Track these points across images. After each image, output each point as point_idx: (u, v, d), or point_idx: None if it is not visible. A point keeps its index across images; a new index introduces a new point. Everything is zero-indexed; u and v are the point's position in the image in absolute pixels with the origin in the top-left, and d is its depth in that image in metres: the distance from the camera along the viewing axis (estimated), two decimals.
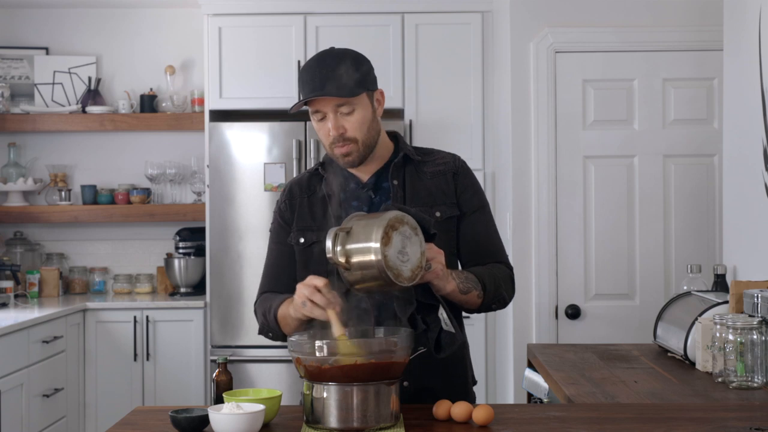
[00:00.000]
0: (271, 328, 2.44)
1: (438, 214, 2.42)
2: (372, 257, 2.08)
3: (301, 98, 2.38)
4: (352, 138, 2.39)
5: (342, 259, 2.10)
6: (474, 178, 2.52)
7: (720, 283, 3.31)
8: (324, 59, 2.40)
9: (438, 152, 2.55)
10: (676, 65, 4.31)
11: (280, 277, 2.49)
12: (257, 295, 2.54)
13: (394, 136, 2.59)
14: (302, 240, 2.45)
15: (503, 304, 2.43)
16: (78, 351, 4.86)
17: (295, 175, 2.55)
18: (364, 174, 2.47)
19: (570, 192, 4.31)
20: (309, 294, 2.16)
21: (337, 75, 2.37)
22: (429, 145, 4.98)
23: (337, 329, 2.13)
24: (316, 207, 2.46)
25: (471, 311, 2.41)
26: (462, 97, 4.98)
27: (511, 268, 2.49)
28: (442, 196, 2.45)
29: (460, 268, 2.45)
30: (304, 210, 2.47)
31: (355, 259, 2.11)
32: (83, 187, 5.37)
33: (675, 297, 3.27)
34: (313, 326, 2.27)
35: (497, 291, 2.38)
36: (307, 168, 4.79)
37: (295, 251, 2.46)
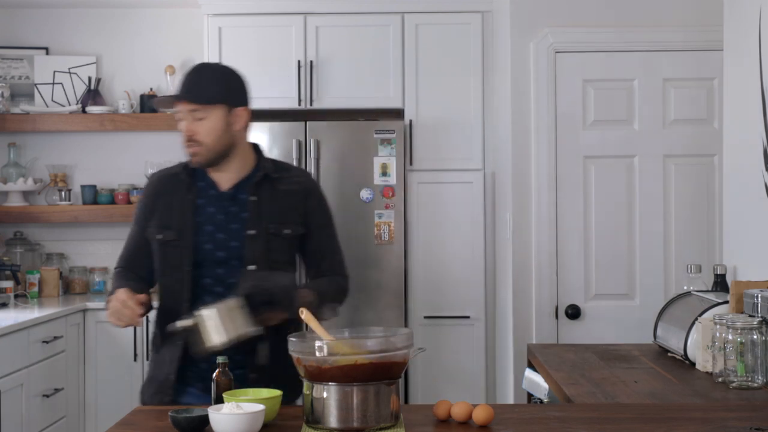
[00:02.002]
0: None
1: (287, 231, 2.70)
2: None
3: (168, 96, 2.72)
4: (199, 141, 2.65)
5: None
6: (322, 198, 2.83)
7: (720, 283, 3.31)
8: (199, 69, 2.72)
9: (294, 170, 2.87)
10: (676, 65, 4.31)
11: (134, 258, 2.81)
12: (117, 263, 2.86)
13: (256, 149, 2.82)
14: (160, 236, 2.72)
15: (326, 316, 2.62)
16: (78, 351, 4.86)
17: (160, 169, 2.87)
18: (225, 183, 2.73)
19: (570, 192, 4.31)
20: (119, 307, 2.52)
21: (199, 84, 2.67)
22: (430, 146, 5.05)
23: (322, 333, 2.13)
24: (175, 207, 2.72)
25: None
26: (462, 97, 4.98)
27: (347, 278, 2.83)
28: (293, 214, 2.73)
29: (304, 279, 2.84)
30: (166, 208, 2.73)
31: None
32: (83, 187, 5.37)
33: (675, 297, 3.27)
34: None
35: (324, 303, 2.63)
36: (306, 167, 4.80)
37: (151, 242, 2.75)
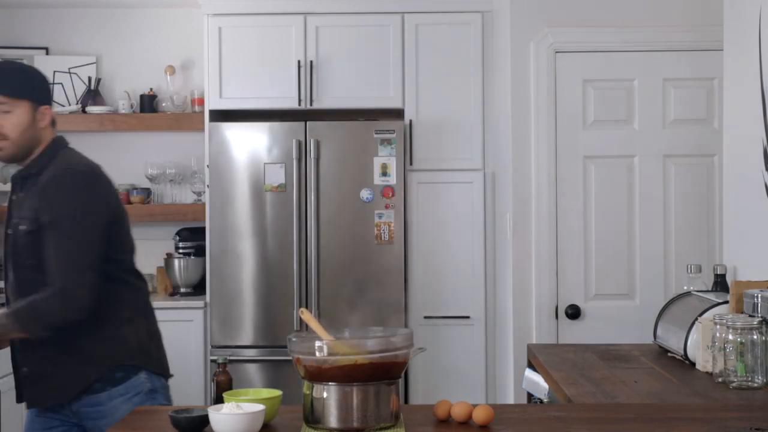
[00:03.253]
0: None
1: (22, 227, 2.68)
2: None
3: None
4: (5, 135, 2.68)
5: None
6: (58, 194, 2.65)
7: (720, 283, 3.31)
8: (1, 66, 2.90)
9: (55, 167, 2.72)
10: (676, 65, 4.31)
11: None
12: None
13: (54, 145, 2.80)
14: None
15: (49, 332, 2.65)
16: None
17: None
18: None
19: (570, 192, 4.31)
20: None
21: (3, 78, 2.72)
22: (430, 146, 5.05)
23: (323, 334, 2.13)
24: None
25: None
26: (462, 97, 4.98)
27: (64, 294, 2.60)
28: (31, 210, 2.68)
29: None
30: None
31: None
32: None
33: (675, 297, 3.27)
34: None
35: (36, 328, 2.63)
36: (306, 167, 4.81)
37: None
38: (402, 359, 2.07)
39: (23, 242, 2.68)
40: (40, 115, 2.74)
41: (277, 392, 2.18)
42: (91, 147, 5.44)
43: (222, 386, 2.26)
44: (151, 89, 5.41)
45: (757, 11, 3.27)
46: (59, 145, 2.80)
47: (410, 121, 4.94)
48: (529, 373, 3.22)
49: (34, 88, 2.75)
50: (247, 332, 4.84)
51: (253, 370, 4.80)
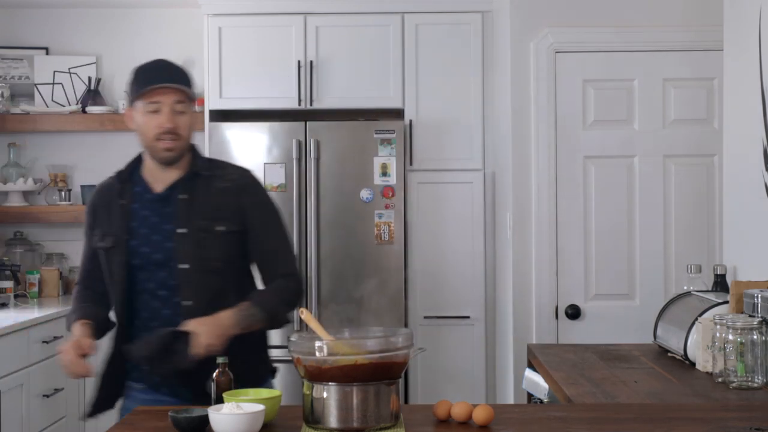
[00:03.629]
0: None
1: (219, 228, 2.62)
2: None
3: (149, 83, 2.64)
4: (180, 135, 2.61)
5: None
6: (261, 194, 2.76)
7: (720, 283, 3.31)
8: (166, 62, 2.74)
9: (230, 167, 2.79)
10: (676, 65, 4.31)
11: (90, 273, 2.75)
12: (77, 279, 2.82)
13: (192, 149, 2.75)
14: (102, 244, 2.67)
15: (284, 324, 2.71)
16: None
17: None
18: (159, 185, 2.67)
19: (570, 192, 4.31)
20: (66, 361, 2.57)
21: (180, 76, 2.66)
22: (430, 146, 5.05)
23: (323, 333, 2.13)
24: (114, 214, 2.68)
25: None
26: (462, 97, 4.98)
27: (294, 276, 2.72)
28: (227, 211, 2.64)
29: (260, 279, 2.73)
30: (104, 217, 2.69)
31: None
32: (83, 187, 5.37)
33: (675, 297, 3.27)
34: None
35: (276, 317, 2.65)
36: (306, 167, 4.80)
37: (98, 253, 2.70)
38: (402, 359, 2.07)
39: (216, 243, 2.61)
40: (196, 115, 2.73)
41: (277, 392, 2.18)
42: (91, 147, 5.51)
43: (222, 386, 2.26)
44: None
45: (757, 11, 3.27)
46: (195, 146, 2.77)
47: (410, 121, 4.94)
48: (529, 373, 3.21)
49: (194, 88, 2.71)
50: None
51: None
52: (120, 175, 2.73)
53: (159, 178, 2.68)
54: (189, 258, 2.59)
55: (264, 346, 2.80)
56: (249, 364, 2.61)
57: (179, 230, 2.61)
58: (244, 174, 2.75)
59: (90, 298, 2.73)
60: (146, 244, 2.63)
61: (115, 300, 2.66)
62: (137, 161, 2.76)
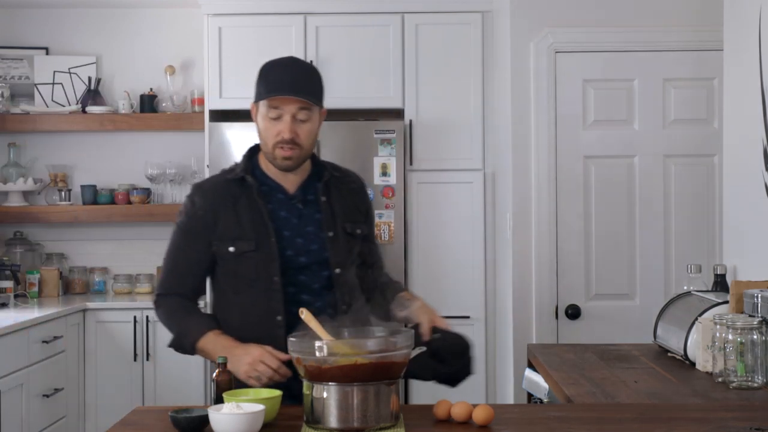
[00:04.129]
0: (186, 351, 2.56)
1: (359, 231, 2.58)
2: None
3: (273, 90, 2.48)
4: (300, 144, 2.47)
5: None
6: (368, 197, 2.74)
7: (720, 283, 3.31)
8: (296, 64, 2.57)
9: (345, 169, 2.70)
10: (676, 65, 4.31)
11: (186, 278, 2.59)
12: (159, 288, 2.62)
13: None
14: (232, 249, 2.51)
15: None
16: (78, 351, 4.86)
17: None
18: (290, 185, 2.56)
19: (570, 192, 4.31)
20: (264, 372, 2.33)
21: (308, 81, 2.49)
22: (430, 146, 5.06)
23: (322, 332, 2.13)
24: (243, 215, 2.51)
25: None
26: (462, 97, 4.98)
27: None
28: (359, 214, 2.62)
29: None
30: (231, 218, 2.52)
31: None
32: (83, 187, 5.37)
33: (675, 297, 3.27)
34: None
35: None
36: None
37: (217, 257, 2.54)
38: (402, 359, 2.06)
39: (355, 244, 2.57)
40: (322, 118, 2.56)
41: (277, 392, 2.18)
42: (91, 147, 5.51)
43: (222, 386, 2.26)
44: (151, 89, 5.41)
45: (757, 11, 3.27)
46: None
47: (410, 121, 4.94)
48: (529, 373, 3.21)
49: (323, 92, 2.55)
50: None
51: None
52: (246, 172, 2.55)
53: (287, 178, 2.55)
54: (342, 262, 2.51)
55: None
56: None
57: (329, 233, 2.52)
58: (359, 177, 2.73)
59: (195, 309, 2.61)
60: (290, 246, 2.50)
61: (254, 308, 2.47)
62: (251, 157, 2.60)
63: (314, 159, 2.62)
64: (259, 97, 2.52)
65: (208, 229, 2.53)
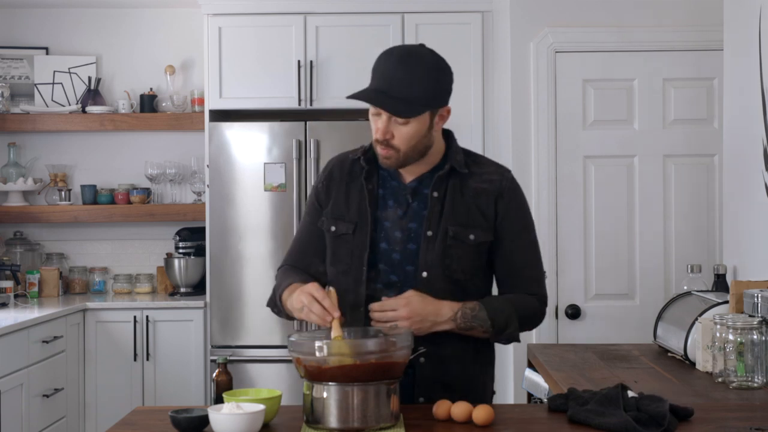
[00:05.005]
0: (277, 306, 2.44)
1: (472, 237, 2.34)
2: None
3: (364, 93, 2.34)
4: (395, 147, 2.30)
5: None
6: (520, 200, 2.44)
7: (720, 283, 3.31)
8: (406, 60, 2.29)
9: (488, 165, 2.47)
10: (676, 65, 4.31)
11: (306, 253, 2.47)
12: (282, 261, 2.52)
13: (447, 137, 2.50)
14: (333, 228, 2.40)
15: (512, 341, 2.39)
16: (78, 351, 4.86)
17: (338, 155, 2.51)
18: (408, 174, 2.40)
19: (570, 192, 4.31)
20: (308, 303, 2.19)
21: (410, 84, 2.27)
22: None
23: (335, 331, 2.13)
24: (352, 196, 2.40)
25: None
26: (462, 97, 4.97)
27: (543, 302, 2.43)
28: (480, 217, 2.36)
29: (495, 291, 2.44)
30: (341, 196, 2.42)
31: None
32: (83, 187, 5.37)
33: (675, 297, 3.27)
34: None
35: (507, 329, 2.33)
36: (306, 167, 4.78)
37: (324, 234, 2.43)
38: (402, 359, 2.06)
39: (465, 252, 2.34)
40: (439, 118, 2.39)
41: (278, 392, 2.18)
42: (91, 147, 5.51)
43: (222, 386, 2.26)
44: (151, 89, 5.41)
45: (757, 11, 3.27)
46: (452, 134, 2.51)
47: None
48: (529, 373, 3.21)
49: (441, 92, 2.39)
50: (247, 332, 4.83)
51: (253, 370, 4.80)
52: (366, 153, 2.41)
53: (408, 167, 2.37)
54: (433, 266, 2.31)
55: (491, 360, 2.48)
56: (475, 380, 2.40)
57: (428, 233, 2.33)
58: (504, 175, 2.44)
59: (297, 272, 2.41)
60: (386, 239, 2.35)
61: (341, 297, 2.28)
62: None
63: (449, 148, 2.44)
64: (358, 96, 2.37)
65: (322, 205, 2.45)
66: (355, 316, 2.33)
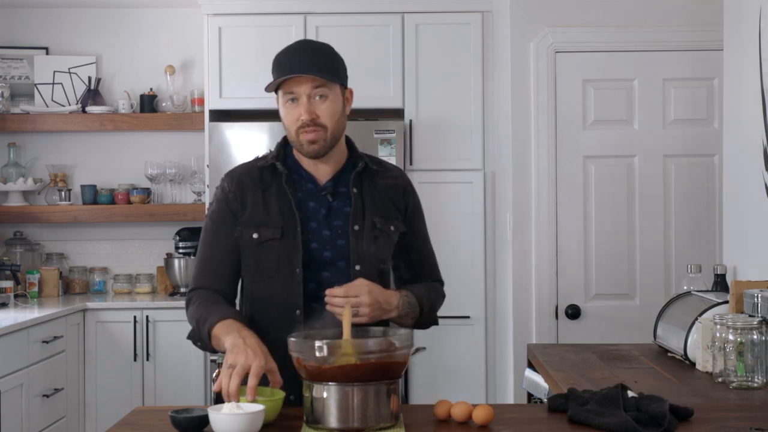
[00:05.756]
0: (202, 340, 2.37)
1: (392, 228, 2.47)
2: None
3: (280, 74, 2.40)
4: (322, 125, 2.37)
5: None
6: (417, 196, 2.62)
7: (720, 283, 3.31)
8: (302, 46, 2.46)
9: (385, 163, 2.60)
10: (676, 65, 4.31)
11: (219, 271, 2.43)
12: (191, 287, 2.45)
13: (347, 140, 2.58)
14: (256, 235, 2.40)
15: (431, 325, 2.54)
16: (78, 351, 4.86)
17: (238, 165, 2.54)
18: (321, 176, 2.46)
19: (570, 192, 4.31)
20: (233, 371, 2.09)
21: (316, 60, 2.39)
22: (430, 146, 5.04)
23: (346, 331, 2.13)
24: (271, 202, 2.42)
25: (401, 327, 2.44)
26: (462, 97, 4.98)
27: (443, 284, 2.62)
28: (394, 210, 2.50)
29: (392, 281, 2.55)
30: (258, 204, 2.42)
31: None
32: (83, 187, 5.37)
33: (675, 297, 3.27)
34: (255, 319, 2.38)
35: (431, 314, 2.51)
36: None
37: (239, 244, 2.42)
38: (402, 359, 2.06)
39: (387, 243, 2.45)
40: (347, 101, 2.47)
41: (281, 393, 2.18)
42: (91, 147, 5.51)
43: None
44: (151, 89, 5.42)
45: (757, 11, 3.27)
46: (350, 138, 2.57)
47: (410, 121, 4.94)
48: (529, 373, 3.21)
49: (341, 69, 2.46)
50: None
51: None
52: (277, 159, 2.45)
53: (318, 168, 2.44)
54: (363, 259, 2.38)
55: None
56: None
57: (355, 227, 2.40)
58: (403, 173, 2.62)
59: (221, 300, 2.39)
60: (315, 239, 2.39)
61: (272, 301, 2.36)
62: (285, 145, 2.48)
63: (352, 150, 2.52)
64: (273, 85, 2.41)
65: (236, 215, 2.43)
66: (289, 318, 2.34)
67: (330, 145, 2.41)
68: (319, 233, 2.40)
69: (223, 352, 2.22)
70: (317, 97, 2.37)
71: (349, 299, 2.24)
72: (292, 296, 2.36)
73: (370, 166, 2.49)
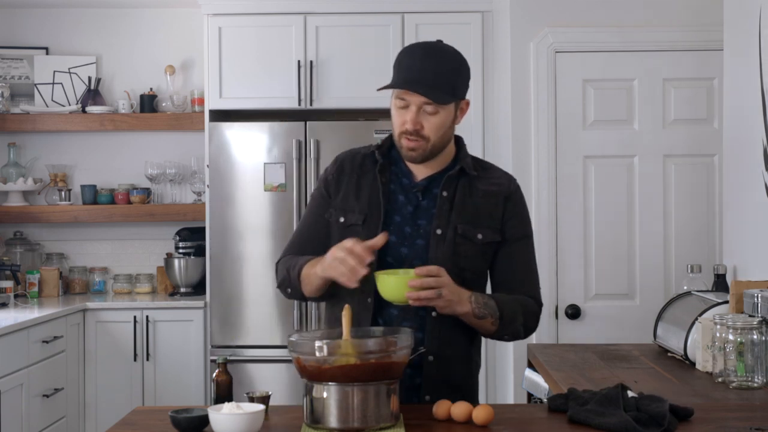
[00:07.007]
0: (292, 284, 2.44)
1: (480, 236, 2.39)
2: None
3: (394, 82, 2.38)
4: (425, 136, 2.36)
5: None
6: (524, 206, 2.51)
7: (720, 283, 3.31)
8: (429, 52, 2.36)
9: (495, 170, 2.55)
10: (676, 65, 4.31)
11: (306, 247, 2.46)
12: (281, 254, 2.52)
13: (457, 141, 2.55)
14: (342, 219, 2.43)
15: (516, 338, 2.43)
16: (78, 351, 4.86)
17: (348, 150, 2.54)
18: (419, 173, 2.45)
19: (570, 192, 4.31)
20: (343, 256, 2.19)
21: (436, 76, 2.33)
22: None
23: (346, 332, 2.13)
24: (363, 189, 2.44)
25: (484, 335, 2.43)
26: None
27: (540, 305, 2.47)
28: (488, 218, 2.42)
29: (489, 292, 2.46)
30: (351, 189, 2.45)
31: None
32: (83, 187, 5.37)
33: (675, 297, 3.27)
34: (333, 292, 2.37)
35: (513, 324, 2.37)
36: (306, 167, 4.79)
37: (330, 225, 2.46)
38: (402, 359, 2.06)
39: (472, 251, 2.38)
40: (460, 111, 2.45)
41: (411, 270, 2.19)
42: (91, 147, 5.51)
43: (222, 386, 2.26)
44: (151, 89, 5.41)
45: (757, 11, 3.27)
46: (462, 140, 2.55)
47: None
48: (529, 373, 3.21)
49: (463, 84, 2.41)
50: (247, 332, 4.83)
51: (253, 370, 4.80)
52: (380, 148, 2.45)
53: (419, 166, 2.43)
54: (439, 263, 2.30)
55: (479, 366, 2.52)
56: (474, 381, 2.44)
57: (437, 230, 2.37)
58: (511, 180, 2.53)
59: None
60: (396, 232, 2.37)
61: (347, 289, 2.30)
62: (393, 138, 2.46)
63: (459, 152, 2.50)
64: (389, 85, 2.39)
65: (331, 197, 2.46)
66: (361, 305, 2.34)
67: (430, 155, 2.39)
68: (400, 228, 2.39)
69: (312, 299, 2.40)
70: (427, 109, 2.35)
71: (428, 280, 2.20)
72: (365, 284, 2.29)
73: (467, 171, 2.44)
